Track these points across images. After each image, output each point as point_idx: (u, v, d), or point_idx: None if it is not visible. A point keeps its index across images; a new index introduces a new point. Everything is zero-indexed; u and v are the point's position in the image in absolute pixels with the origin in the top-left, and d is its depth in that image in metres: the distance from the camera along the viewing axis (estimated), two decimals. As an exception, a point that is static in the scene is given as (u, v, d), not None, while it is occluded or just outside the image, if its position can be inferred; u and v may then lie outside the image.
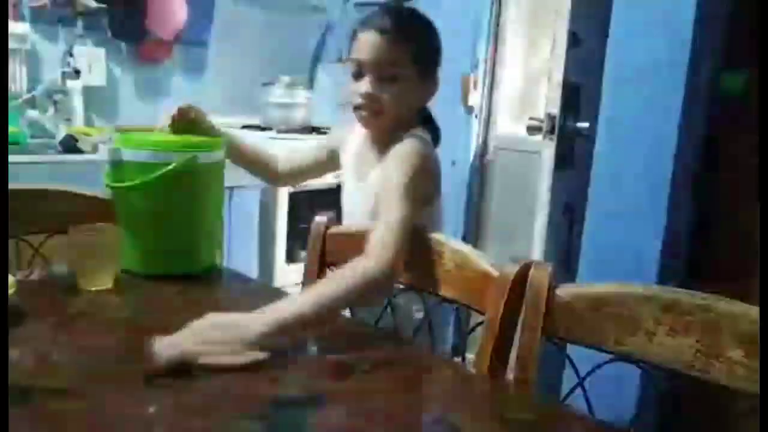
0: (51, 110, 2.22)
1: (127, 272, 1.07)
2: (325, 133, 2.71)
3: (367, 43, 1.09)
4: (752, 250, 1.87)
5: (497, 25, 2.46)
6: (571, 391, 0.84)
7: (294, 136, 2.52)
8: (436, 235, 1.02)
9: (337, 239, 1.14)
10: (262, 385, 0.72)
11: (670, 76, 1.68)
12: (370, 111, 1.11)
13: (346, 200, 1.26)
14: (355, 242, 1.10)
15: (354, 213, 1.22)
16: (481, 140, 2.52)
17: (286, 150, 1.42)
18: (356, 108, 1.13)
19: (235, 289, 1.11)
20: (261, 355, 0.75)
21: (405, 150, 1.06)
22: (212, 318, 0.79)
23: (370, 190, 1.14)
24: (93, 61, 2.32)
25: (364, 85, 1.10)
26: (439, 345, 1.16)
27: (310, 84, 3.05)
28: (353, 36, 1.14)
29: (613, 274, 0.80)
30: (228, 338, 0.76)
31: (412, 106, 1.15)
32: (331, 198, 2.57)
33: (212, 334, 0.76)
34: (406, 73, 1.09)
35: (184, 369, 0.71)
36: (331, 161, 1.32)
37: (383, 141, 1.14)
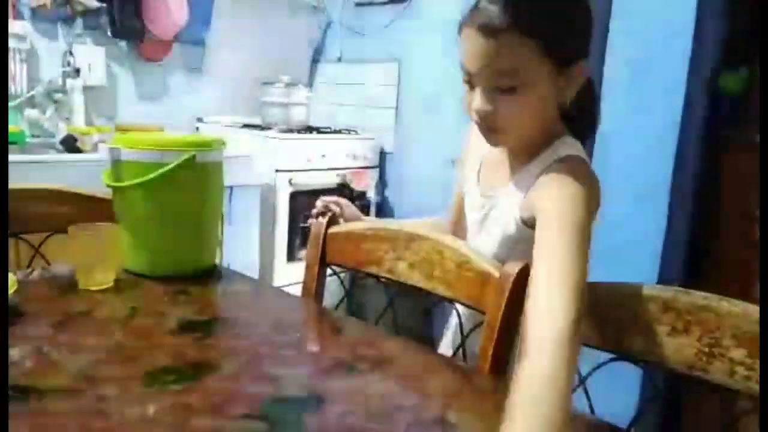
0: (51, 109, 2.22)
1: (127, 272, 1.07)
2: (324, 132, 2.71)
3: (471, 45, 0.82)
4: (752, 249, 1.87)
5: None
6: (572, 391, 0.84)
7: (294, 135, 2.52)
8: (435, 235, 1.02)
9: (337, 239, 1.14)
10: (262, 385, 0.72)
11: (670, 75, 1.68)
12: (488, 129, 0.87)
13: (468, 214, 1.01)
14: (355, 242, 1.11)
15: (473, 234, 0.98)
16: (481, 140, 2.52)
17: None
18: (476, 123, 0.88)
19: (235, 288, 1.11)
20: None
21: (567, 174, 0.80)
22: None
23: (502, 212, 0.91)
24: (93, 61, 2.32)
25: (476, 99, 0.85)
26: (440, 345, 1.16)
27: (310, 84, 3.05)
28: (459, 29, 0.86)
29: (614, 274, 0.80)
30: None
31: (548, 111, 0.87)
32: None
33: None
34: (534, 77, 0.81)
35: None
36: None
37: (519, 154, 0.91)
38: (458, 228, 1.09)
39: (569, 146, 0.88)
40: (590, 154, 1.83)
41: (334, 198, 1.17)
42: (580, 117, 0.92)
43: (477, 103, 0.84)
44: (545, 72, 0.82)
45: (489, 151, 0.98)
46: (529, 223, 0.85)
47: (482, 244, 0.96)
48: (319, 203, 1.18)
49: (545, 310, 0.65)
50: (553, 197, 0.78)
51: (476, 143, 0.99)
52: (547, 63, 0.81)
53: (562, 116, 0.91)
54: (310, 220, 1.17)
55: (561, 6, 0.82)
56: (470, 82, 0.86)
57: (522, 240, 0.87)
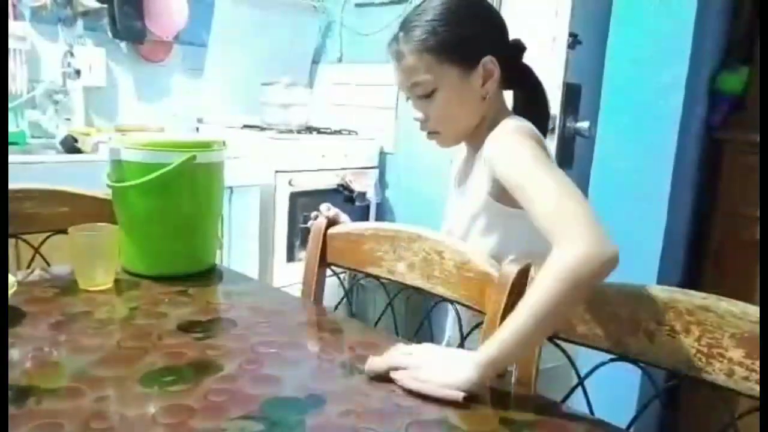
0: (51, 110, 2.22)
1: (127, 272, 1.07)
2: (324, 133, 2.71)
3: (394, 70, 1.01)
4: (752, 249, 1.87)
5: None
6: (572, 391, 0.84)
7: (294, 136, 2.52)
8: (436, 235, 1.02)
9: (337, 239, 1.14)
10: (262, 385, 0.72)
11: (670, 75, 1.68)
12: (429, 133, 1.03)
13: (448, 210, 1.12)
14: (355, 242, 1.11)
15: (453, 222, 1.07)
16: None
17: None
18: (421, 130, 1.04)
19: (235, 289, 1.11)
20: (460, 396, 0.70)
21: (502, 136, 0.93)
22: (426, 347, 0.79)
23: (469, 195, 1.01)
24: (93, 61, 2.32)
25: (413, 111, 1.02)
26: (439, 345, 1.16)
27: (310, 84, 3.05)
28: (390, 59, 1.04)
29: (614, 274, 0.80)
30: (435, 370, 0.73)
31: (471, 106, 1.00)
32: (330, 198, 2.58)
33: (419, 360, 0.75)
34: (442, 82, 0.96)
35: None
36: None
37: (474, 146, 1.03)
38: None
39: (508, 120, 0.97)
40: (590, 155, 1.84)
41: (338, 210, 1.18)
42: (533, 108, 1.04)
43: (414, 114, 1.02)
44: (452, 75, 0.96)
45: (458, 154, 1.12)
46: (494, 195, 0.95)
47: (455, 226, 1.05)
48: (324, 208, 1.18)
49: (557, 223, 0.77)
50: (502, 161, 0.89)
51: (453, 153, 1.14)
52: (451, 68, 0.96)
53: (515, 110, 1.04)
54: (311, 222, 1.17)
55: (449, 20, 0.96)
56: (408, 98, 1.02)
57: (481, 215, 0.98)
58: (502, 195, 0.93)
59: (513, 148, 0.89)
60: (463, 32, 0.96)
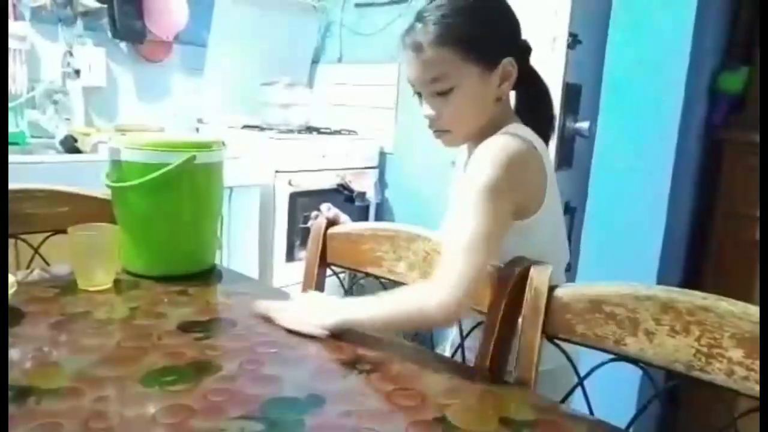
0: (51, 110, 2.22)
1: (126, 272, 1.07)
2: (324, 133, 2.71)
3: (408, 64, 0.96)
4: (752, 249, 1.87)
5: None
6: (572, 391, 0.84)
7: (294, 136, 2.52)
8: (435, 235, 1.02)
9: (337, 239, 1.14)
10: (262, 385, 0.72)
11: (670, 75, 1.68)
12: (438, 132, 0.99)
13: (449, 211, 1.12)
14: (355, 242, 1.11)
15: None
16: (481, 140, 2.52)
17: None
18: (430, 127, 1.01)
19: (235, 289, 1.10)
20: (321, 333, 0.87)
21: (484, 148, 0.90)
22: (313, 296, 1.00)
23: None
24: (93, 61, 2.32)
25: (423, 107, 0.98)
26: (439, 345, 1.16)
27: (310, 85, 3.05)
28: (400, 49, 0.99)
29: (613, 274, 0.80)
30: (309, 314, 0.89)
31: (485, 107, 0.97)
32: (330, 198, 2.58)
33: (304, 308, 0.92)
34: (462, 80, 0.93)
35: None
36: None
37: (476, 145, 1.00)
38: None
39: (510, 128, 0.95)
40: (590, 155, 1.84)
41: (338, 210, 1.19)
42: (536, 111, 1.03)
43: (424, 111, 0.98)
44: (473, 74, 0.93)
45: (460, 156, 1.12)
46: None
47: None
48: (324, 208, 1.18)
49: (443, 271, 0.85)
50: (468, 173, 0.91)
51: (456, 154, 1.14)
52: (473, 66, 0.93)
53: (519, 112, 1.02)
54: (311, 222, 1.17)
55: (475, 18, 0.93)
56: (418, 95, 0.99)
57: None
58: None
59: (481, 164, 0.88)
60: (487, 30, 0.94)
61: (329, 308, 0.90)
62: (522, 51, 0.99)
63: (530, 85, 1.02)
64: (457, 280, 0.82)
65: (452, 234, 0.87)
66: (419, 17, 0.95)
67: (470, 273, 0.82)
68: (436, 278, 0.85)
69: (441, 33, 0.91)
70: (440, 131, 0.99)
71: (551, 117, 1.05)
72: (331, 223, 1.16)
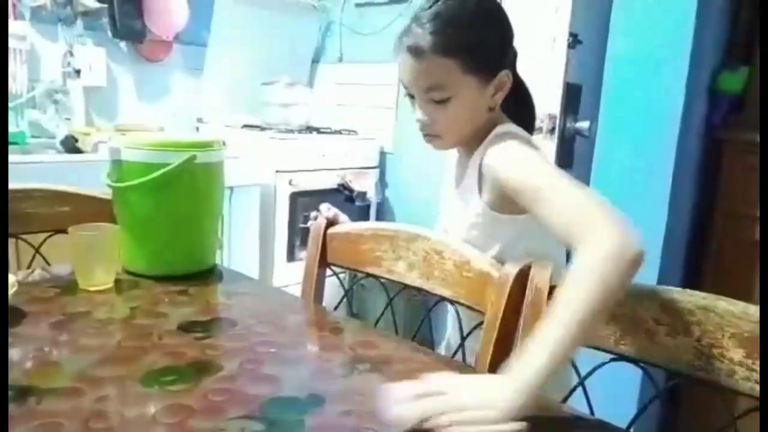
0: (51, 110, 2.22)
1: (127, 272, 1.07)
2: (324, 133, 2.71)
3: (405, 66, 0.92)
4: (752, 249, 1.87)
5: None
6: (572, 391, 0.84)
7: (294, 136, 2.52)
8: (435, 235, 1.02)
9: (337, 239, 1.14)
10: (262, 385, 0.72)
11: (670, 75, 1.68)
12: (428, 136, 0.98)
13: (443, 209, 1.11)
14: (354, 242, 1.11)
15: (449, 223, 1.06)
16: (481, 140, 2.52)
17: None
18: (421, 130, 0.99)
19: (235, 289, 1.11)
20: (518, 426, 0.61)
21: (497, 143, 0.90)
22: (452, 378, 0.68)
23: (465, 200, 0.99)
24: (93, 61, 2.32)
25: (416, 111, 0.96)
26: (440, 344, 1.16)
27: (311, 84, 3.05)
28: (394, 49, 0.96)
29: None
30: (476, 405, 0.62)
31: (479, 116, 0.96)
32: (331, 198, 2.57)
33: (455, 399, 0.63)
34: (460, 90, 0.91)
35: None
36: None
37: (465, 152, 1.01)
38: None
39: (502, 128, 0.95)
40: (590, 155, 1.84)
41: (337, 210, 1.18)
42: (521, 110, 1.03)
43: (416, 114, 0.96)
44: (472, 85, 0.92)
45: (451, 155, 1.10)
46: (492, 204, 0.94)
47: (451, 227, 1.05)
48: (324, 208, 1.18)
49: (578, 220, 0.73)
50: (506, 167, 0.87)
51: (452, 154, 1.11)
52: (471, 77, 0.91)
53: (505, 110, 1.01)
54: (311, 222, 1.18)
55: (478, 29, 0.91)
56: (411, 96, 0.96)
57: (479, 224, 0.96)
58: (501, 203, 0.92)
59: (515, 154, 0.88)
60: (488, 42, 0.92)
61: (499, 387, 0.64)
62: (513, 59, 0.99)
63: (516, 87, 1.00)
64: (610, 216, 0.72)
65: (555, 205, 0.78)
66: (417, 20, 0.91)
67: (606, 206, 0.74)
68: (588, 235, 0.71)
69: (443, 41, 0.88)
70: (431, 136, 0.98)
71: (534, 113, 1.07)
72: (331, 223, 1.16)
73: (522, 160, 0.87)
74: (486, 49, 0.92)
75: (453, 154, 1.11)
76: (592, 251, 0.69)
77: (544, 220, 0.79)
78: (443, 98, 0.92)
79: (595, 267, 0.68)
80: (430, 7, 0.91)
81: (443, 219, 1.10)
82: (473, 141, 0.97)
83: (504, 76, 0.95)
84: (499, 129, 0.95)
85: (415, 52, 0.90)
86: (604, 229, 0.71)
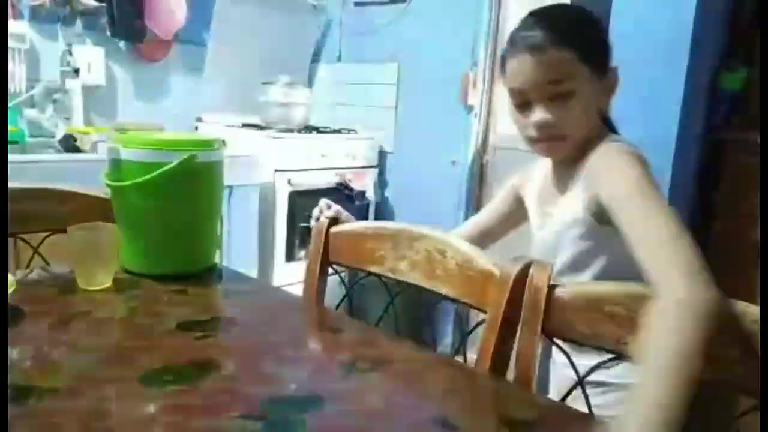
0: (50, 109, 2.22)
1: (126, 272, 1.07)
2: (324, 133, 2.71)
3: (524, 67, 0.92)
4: (752, 250, 1.87)
5: (497, 23, 2.46)
6: (571, 390, 0.84)
7: (293, 135, 2.52)
8: (437, 234, 1.02)
9: (339, 238, 1.14)
10: (262, 385, 0.71)
11: (670, 75, 1.68)
12: (552, 140, 0.95)
13: (533, 249, 1.05)
14: (356, 241, 1.11)
15: (542, 246, 1.02)
16: (481, 140, 2.53)
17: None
18: (533, 141, 0.97)
19: (234, 288, 1.10)
20: None
21: (609, 153, 0.89)
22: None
23: (554, 226, 0.98)
24: (92, 60, 2.32)
25: (536, 114, 0.93)
26: (440, 344, 1.16)
27: (310, 84, 3.05)
28: (502, 62, 0.98)
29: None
30: None
31: (594, 116, 0.97)
32: (330, 197, 2.57)
33: None
34: (580, 82, 0.92)
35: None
36: (519, 211, 1.14)
37: (568, 164, 0.98)
38: (482, 240, 1.15)
39: (614, 137, 0.96)
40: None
41: (339, 207, 1.18)
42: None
43: (538, 116, 0.93)
44: (588, 74, 0.92)
45: (534, 179, 1.10)
46: (596, 215, 0.90)
47: (543, 252, 1.01)
48: (324, 204, 1.18)
49: (669, 266, 0.72)
50: (610, 179, 0.86)
51: (521, 180, 1.14)
52: (587, 70, 0.92)
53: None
54: (312, 221, 1.17)
55: (586, 24, 0.96)
56: (524, 104, 0.95)
57: (584, 238, 0.93)
58: (604, 214, 0.87)
59: (623, 168, 0.85)
60: (597, 36, 0.96)
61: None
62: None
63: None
64: (687, 267, 0.71)
65: (643, 236, 0.77)
66: (526, 25, 0.94)
67: (689, 253, 0.73)
68: (679, 274, 0.70)
69: (560, 33, 0.91)
70: (554, 138, 0.95)
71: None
72: (334, 221, 1.15)
73: (625, 175, 0.83)
74: (596, 42, 0.95)
75: (528, 172, 1.11)
76: (694, 291, 0.69)
77: (632, 242, 0.77)
78: (566, 91, 0.91)
79: (700, 306, 0.67)
80: (532, 15, 0.96)
81: (536, 246, 1.05)
82: (579, 150, 0.95)
83: (613, 74, 0.96)
84: (613, 137, 0.96)
85: (536, 49, 0.91)
86: (697, 277, 0.71)
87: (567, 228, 0.95)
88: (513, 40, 0.95)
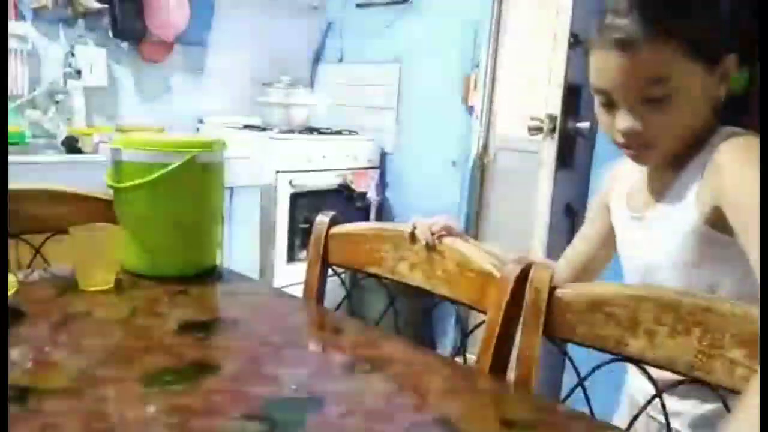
0: (52, 110, 2.23)
1: (127, 272, 1.07)
2: (324, 133, 2.71)
3: (607, 63, 0.76)
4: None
5: (497, 24, 2.46)
6: (572, 391, 0.84)
7: (294, 136, 2.52)
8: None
9: (338, 239, 1.14)
10: (262, 385, 0.72)
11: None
12: (641, 148, 0.80)
13: (625, 241, 0.92)
14: (356, 242, 1.11)
15: (641, 252, 0.87)
16: (481, 140, 2.53)
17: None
18: (619, 146, 0.82)
19: (235, 289, 1.11)
20: None
21: (735, 153, 0.75)
22: None
23: (669, 220, 0.82)
24: (94, 62, 2.32)
25: (621, 119, 0.78)
26: (440, 345, 1.16)
27: (311, 85, 3.06)
28: (586, 51, 0.81)
29: (614, 274, 0.80)
30: None
31: (701, 115, 0.80)
32: (330, 198, 2.58)
33: None
34: (683, 82, 0.75)
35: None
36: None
37: (671, 159, 0.82)
38: (572, 277, 1.00)
39: (729, 136, 0.80)
40: (590, 155, 1.83)
41: (446, 223, 1.00)
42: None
43: (624, 123, 0.78)
44: (695, 75, 0.76)
45: (621, 179, 0.94)
46: (709, 220, 0.77)
47: (647, 256, 0.86)
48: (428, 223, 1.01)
49: None
50: (735, 185, 0.72)
51: (608, 187, 0.97)
52: (695, 65, 0.75)
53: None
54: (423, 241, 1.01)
55: (693, 4, 0.76)
56: (609, 104, 0.80)
57: (690, 243, 0.79)
58: (719, 220, 0.75)
59: (751, 173, 0.70)
60: (709, 20, 0.76)
61: None
62: (747, 42, 0.82)
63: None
64: None
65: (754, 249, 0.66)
66: (614, 12, 0.76)
67: None
68: None
69: (660, 22, 0.73)
70: (642, 146, 0.79)
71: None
72: (333, 222, 1.15)
73: (752, 183, 0.69)
74: (707, 29, 0.76)
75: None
76: None
77: (751, 259, 0.67)
78: (663, 95, 0.75)
79: None
80: None
81: (633, 256, 0.90)
82: (685, 148, 0.80)
83: (731, 61, 0.79)
84: (727, 129, 0.80)
85: (625, 43, 0.74)
86: None
87: (669, 236, 0.81)
88: (598, 30, 0.77)
